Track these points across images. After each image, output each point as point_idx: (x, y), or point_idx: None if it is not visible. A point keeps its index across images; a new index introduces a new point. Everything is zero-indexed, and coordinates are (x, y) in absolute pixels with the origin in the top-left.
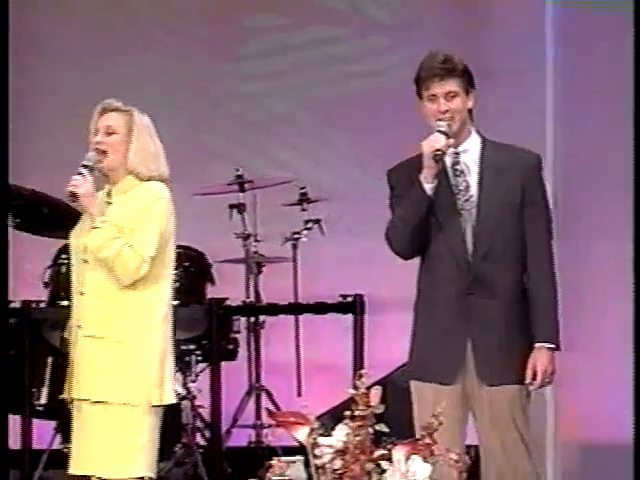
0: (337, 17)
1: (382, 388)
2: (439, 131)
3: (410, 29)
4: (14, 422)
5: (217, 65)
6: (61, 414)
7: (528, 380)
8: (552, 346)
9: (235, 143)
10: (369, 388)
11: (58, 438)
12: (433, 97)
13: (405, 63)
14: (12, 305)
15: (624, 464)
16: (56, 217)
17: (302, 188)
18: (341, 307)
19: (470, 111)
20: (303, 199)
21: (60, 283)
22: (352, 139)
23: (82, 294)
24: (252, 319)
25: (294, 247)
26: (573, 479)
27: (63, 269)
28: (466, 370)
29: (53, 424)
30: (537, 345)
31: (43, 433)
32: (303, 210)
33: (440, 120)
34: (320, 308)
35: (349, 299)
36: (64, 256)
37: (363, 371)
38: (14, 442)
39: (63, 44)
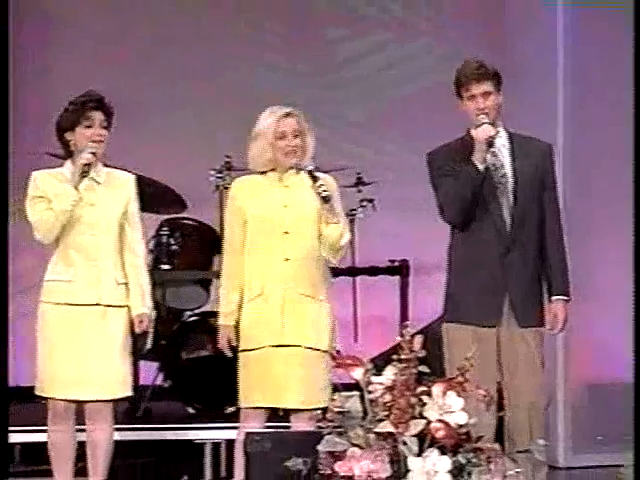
0: (383, 25)
1: (423, 336)
2: (485, 123)
3: (440, 36)
4: None
5: (300, 73)
6: (162, 357)
7: (550, 327)
8: (567, 298)
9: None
10: (413, 336)
11: (160, 376)
12: (472, 97)
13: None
14: None
15: (625, 400)
16: (158, 197)
17: (358, 173)
18: (390, 270)
19: (499, 106)
20: (359, 182)
21: (161, 250)
22: (400, 134)
23: (287, 260)
24: None
25: (351, 222)
26: (580, 414)
27: (164, 239)
28: (502, 314)
29: (156, 365)
30: (555, 298)
31: (148, 372)
32: (359, 191)
33: (480, 116)
34: (373, 271)
35: (396, 263)
36: (165, 229)
37: (407, 323)
38: None
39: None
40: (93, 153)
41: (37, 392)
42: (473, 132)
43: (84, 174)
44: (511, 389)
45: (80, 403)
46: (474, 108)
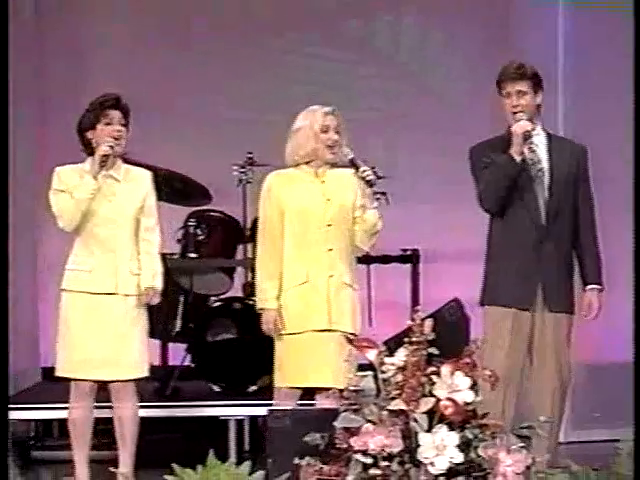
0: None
1: (433, 320)
2: (523, 119)
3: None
4: (155, 345)
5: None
6: (189, 339)
7: (584, 314)
8: (601, 287)
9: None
10: (423, 320)
11: (188, 357)
12: (508, 94)
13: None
14: None
15: (621, 380)
16: (186, 190)
17: (372, 168)
18: (401, 259)
19: (538, 106)
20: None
21: (189, 240)
22: (411, 135)
23: (330, 250)
24: None
25: None
26: (579, 393)
27: (191, 230)
28: (536, 299)
29: (183, 346)
30: (590, 287)
31: (176, 353)
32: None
33: (516, 113)
34: (386, 259)
35: (408, 252)
36: (192, 220)
37: (418, 307)
38: (155, 359)
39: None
40: (111, 146)
41: (59, 373)
42: (512, 127)
43: (102, 164)
44: (538, 372)
45: (102, 383)
46: (509, 105)
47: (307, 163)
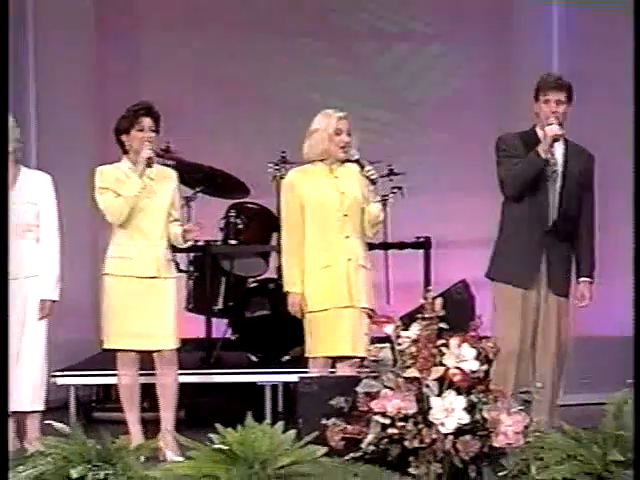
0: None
1: (442, 299)
2: (554, 123)
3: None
4: (200, 320)
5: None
6: (230, 315)
7: (577, 302)
8: (592, 280)
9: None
10: (434, 299)
11: (229, 330)
12: (547, 101)
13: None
14: (198, 244)
15: (608, 351)
16: (227, 185)
17: (389, 165)
18: (415, 245)
19: (566, 114)
20: (391, 173)
21: (229, 229)
22: (425, 132)
23: (347, 237)
24: None
25: (384, 205)
26: (570, 361)
27: (231, 219)
28: (541, 282)
29: (225, 321)
30: (583, 279)
31: (219, 327)
32: (390, 180)
33: (551, 118)
34: (401, 246)
35: (421, 239)
36: (232, 211)
37: (430, 288)
38: (200, 333)
39: None
40: (151, 149)
41: (107, 346)
42: (545, 129)
43: (149, 166)
44: (542, 346)
45: (145, 353)
46: (547, 110)
47: (322, 160)
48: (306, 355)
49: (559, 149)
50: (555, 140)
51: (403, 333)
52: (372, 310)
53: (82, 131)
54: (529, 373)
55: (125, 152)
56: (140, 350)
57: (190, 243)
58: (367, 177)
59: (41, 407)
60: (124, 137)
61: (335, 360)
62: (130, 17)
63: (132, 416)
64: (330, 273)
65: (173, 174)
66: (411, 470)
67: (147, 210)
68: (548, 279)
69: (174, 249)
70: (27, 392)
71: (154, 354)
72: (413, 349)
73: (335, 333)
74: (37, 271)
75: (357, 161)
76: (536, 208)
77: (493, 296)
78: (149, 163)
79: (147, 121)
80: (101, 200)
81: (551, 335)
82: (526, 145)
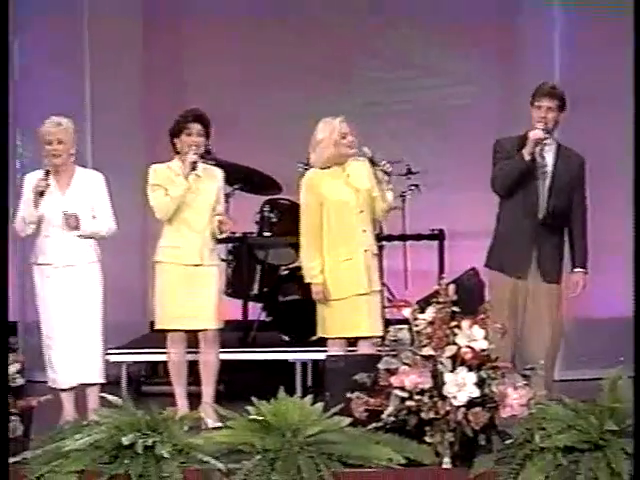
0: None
1: (455, 285)
2: (540, 128)
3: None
4: (237, 304)
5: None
6: (264, 299)
7: (571, 291)
8: (586, 271)
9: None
10: (447, 285)
11: (263, 313)
12: (538, 107)
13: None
14: (236, 235)
15: (609, 331)
16: (262, 183)
17: (407, 165)
18: (430, 236)
19: (556, 123)
20: (409, 172)
21: (264, 222)
22: (438, 137)
23: (364, 231)
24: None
25: (403, 200)
26: (570, 340)
27: (265, 214)
28: (532, 271)
29: (260, 305)
30: (577, 270)
31: (254, 310)
32: (408, 178)
33: (539, 123)
34: (418, 237)
35: (435, 232)
36: (266, 206)
37: (443, 275)
38: (238, 315)
39: None
40: (197, 154)
41: (157, 326)
42: (529, 133)
43: (193, 169)
44: (537, 327)
45: (191, 332)
46: (537, 116)
47: (334, 164)
48: (325, 336)
49: (551, 152)
50: (537, 144)
51: (420, 315)
52: (393, 296)
53: (132, 133)
54: (510, 349)
55: (177, 152)
56: (187, 330)
57: (226, 234)
58: (383, 170)
59: (102, 380)
60: (175, 139)
61: (356, 340)
62: (176, 32)
63: (180, 390)
64: (351, 265)
65: (219, 173)
66: (427, 439)
67: (193, 205)
68: (538, 268)
69: (216, 240)
70: (90, 367)
71: (199, 334)
72: (429, 330)
73: (355, 316)
74: (93, 258)
75: (370, 159)
76: (527, 204)
77: (488, 281)
78: (193, 166)
79: (195, 127)
80: (152, 197)
81: (542, 318)
82: (520, 147)
